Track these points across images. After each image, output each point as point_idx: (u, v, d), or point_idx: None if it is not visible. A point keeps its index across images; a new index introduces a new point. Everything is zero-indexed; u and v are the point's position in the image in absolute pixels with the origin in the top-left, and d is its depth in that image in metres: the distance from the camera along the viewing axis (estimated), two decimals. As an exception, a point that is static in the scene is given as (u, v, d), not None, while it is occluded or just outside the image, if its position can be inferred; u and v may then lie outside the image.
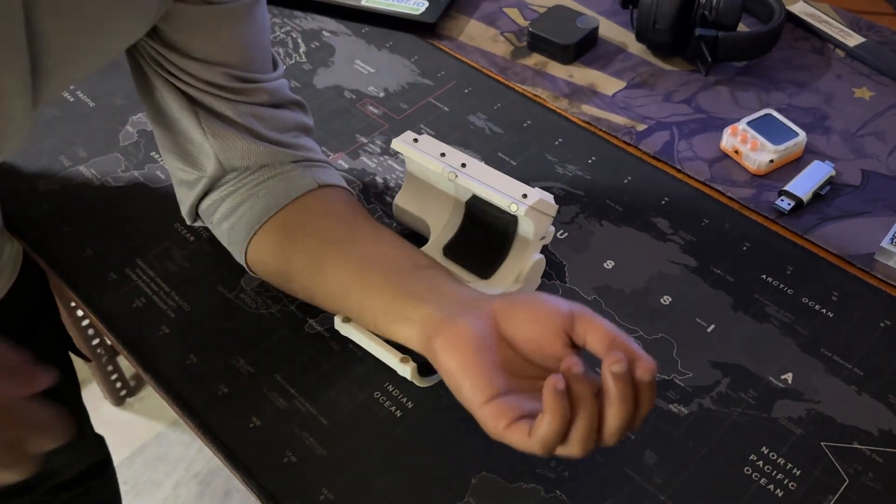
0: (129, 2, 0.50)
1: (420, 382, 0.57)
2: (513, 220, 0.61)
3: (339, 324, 0.59)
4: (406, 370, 0.56)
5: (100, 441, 0.91)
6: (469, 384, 0.47)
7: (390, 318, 0.53)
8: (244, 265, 0.62)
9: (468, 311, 0.50)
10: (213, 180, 0.61)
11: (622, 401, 0.45)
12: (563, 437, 0.45)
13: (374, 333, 0.57)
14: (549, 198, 0.59)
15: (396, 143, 0.62)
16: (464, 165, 0.60)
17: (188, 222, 0.65)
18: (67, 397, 0.84)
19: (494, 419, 0.46)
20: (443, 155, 0.61)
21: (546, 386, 0.43)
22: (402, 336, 0.52)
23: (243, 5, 0.57)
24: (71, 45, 0.50)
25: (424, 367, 0.56)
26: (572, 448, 0.45)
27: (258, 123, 0.60)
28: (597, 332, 0.47)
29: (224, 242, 0.63)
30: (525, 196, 0.57)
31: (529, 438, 0.45)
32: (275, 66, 0.62)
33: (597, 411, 0.45)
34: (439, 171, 0.60)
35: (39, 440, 0.44)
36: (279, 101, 0.62)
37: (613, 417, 0.45)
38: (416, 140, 0.62)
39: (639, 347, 0.46)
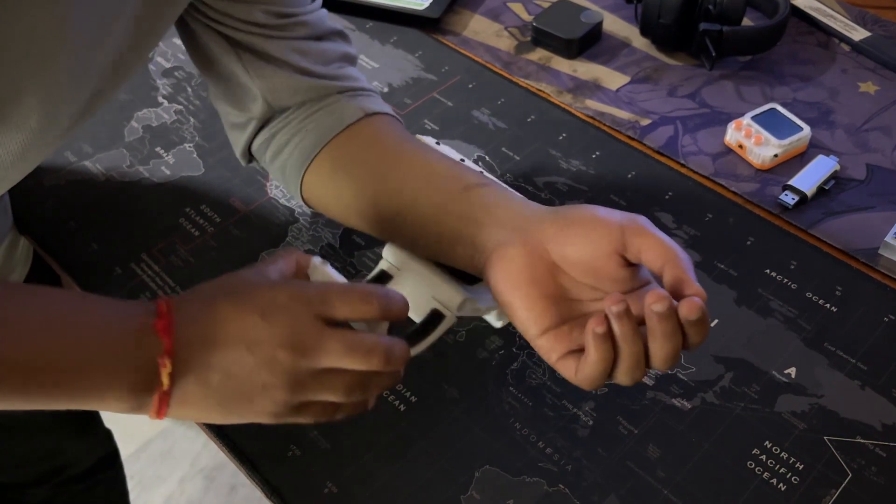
0: None
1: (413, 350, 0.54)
2: None
3: (389, 251, 0.57)
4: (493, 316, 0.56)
5: (108, 435, 0.92)
6: (523, 316, 0.48)
7: (444, 245, 0.53)
8: (302, 200, 0.63)
9: (520, 238, 0.49)
10: (262, 120, 0.61)
11: (666, 337, 0.44)
12: (608, 374, 0.45)
13: (430, 260, 0.56)
14: None
15: (419, 139, 0.62)
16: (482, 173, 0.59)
17: (243, 164, 0.65)
18: None
19: (548, 352, 0.47)
20: (462, 160, 0.60)
21: (587, 329, 0.44)
22: (458, 261, 0.53)
23: None
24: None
25: (413, 336, 0.54)
26: (620, 379, 0.46)
27: (302, 58, 0.60)
28: (651, 249, 0.45)
29: (280, 181, 0.64)
30: None
31: (576, 375, 0.46)
32: None
33: (641, 346, 0.45)
34: None
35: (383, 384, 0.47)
36: (320, 32, 0.62)
37: (659, 350, 0.45)
38: (437, 143, 0.62)
39: (691, 272, 0.45)
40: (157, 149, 0.77)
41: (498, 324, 0.60)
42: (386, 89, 0.83)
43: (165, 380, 0.42)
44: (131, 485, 1.40)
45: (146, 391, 0.42)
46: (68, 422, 0.84)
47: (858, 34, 0.86)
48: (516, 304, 0.48)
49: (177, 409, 0.43)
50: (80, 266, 0.68)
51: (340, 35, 0.64)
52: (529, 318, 0.48)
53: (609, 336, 0.44)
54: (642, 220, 0.47)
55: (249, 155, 0.64)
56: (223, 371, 0.42)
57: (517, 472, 0.55)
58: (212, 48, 0.59)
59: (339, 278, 0.48)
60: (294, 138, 0.61)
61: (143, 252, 0.68)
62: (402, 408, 0.58)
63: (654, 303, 0.43)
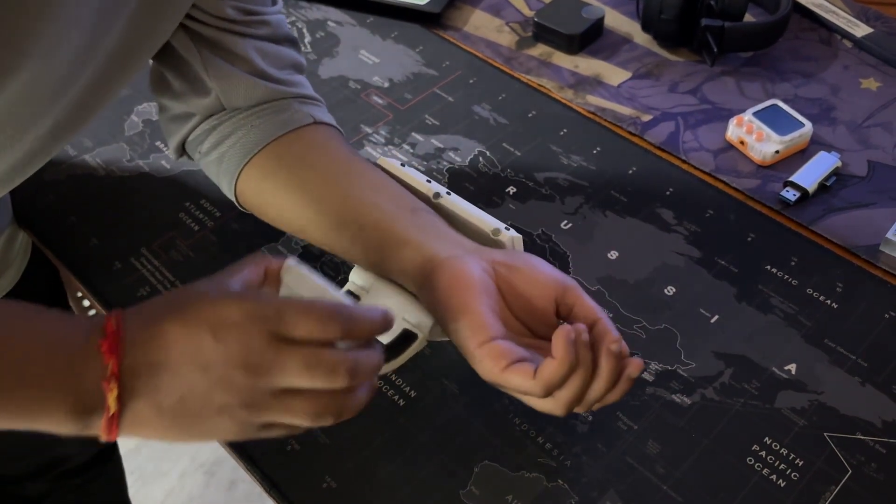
0: None
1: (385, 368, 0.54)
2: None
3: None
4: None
5: None
6: (468, 323, 0.47)
7: (389, 247, 0.53)
8: (232, 196, 0.62)
9: (471, 255, 0.51)
10: (205, 117, 0.61)
11: (606, 379, 0.47)
12: (561, 384, 0.46)
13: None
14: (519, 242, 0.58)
15: (383, 161, 0.61)
16: (448, 193, 0.59)
17: (174, 157, 0.65)
18: None
19: (493, 359, 0.46)
20: (428, 181, 0.60)
21: (560, 334, 0.44)
22: (401, 263, 0.52)
23: None
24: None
25: (390, 351, 0.54)
26: (558, 404, 0.47)
27: (261, 60, 0.60)
28: (584, 308, 0.49)
29: (211, 172, 0.63)
30: (507, 228, 0.56)
31: (532, 379, 0.45)
32: (274, 2, 0.62)
33: (589, 379, 0.46)
34: (423, 190, 0.59)
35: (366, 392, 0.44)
36: (279, 35, 0.62)
37: (596, 391, 0.47)
38: (402, 165, 0.61)
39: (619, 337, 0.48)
40: (158, 143, 0.77)
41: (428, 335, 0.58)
42: (387, 84, 0.82)
43: (112, 404, 0.39)
44: (131, 480, 1.40)
45: (89, 414, 0.40)
46: None
47: (861, 30, 0.86)
48: (468, 308, 0.48)
49: (129, 430, 0.41)
50: (80, 260, 0.68)
51: (293, 43, 0.64)
52: (475, 325, 0.47)
53: (575, 350, 0.45)
54: (575, 283, 0.51)
55: (182, 149, 0.64)
56: (175, 394, 0.40)
57: (516, 468, 0.55)
58: (172, 41, 0.58)
59: (317, 281, 0.45)
60: (238, 131, 0.60)
61: (142, 247, 0.68)
62: (402, 403, 0.58)
63: (612, 342, 0.46)
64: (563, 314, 0.50)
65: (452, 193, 0.59)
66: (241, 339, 0.40)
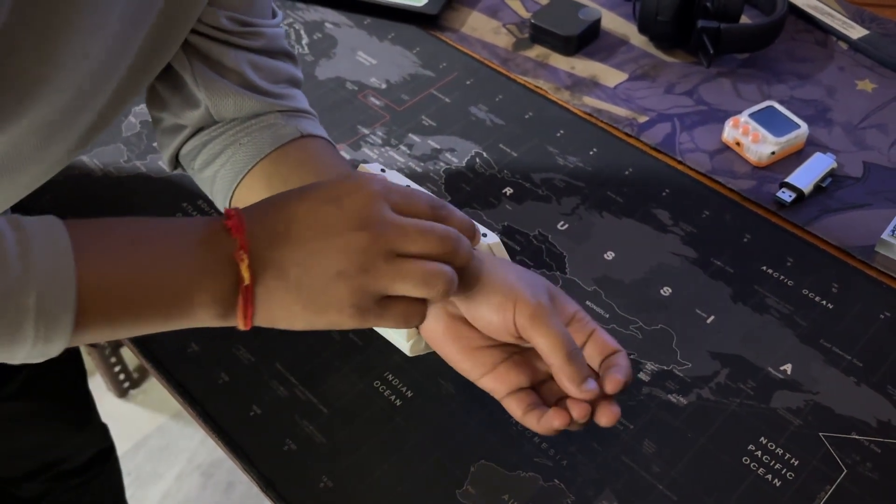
0: None
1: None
2: None
3: None
4: (407, 346, 0.57)
5: (104, 430, 0.92)
6: (460, 368, 0.50)
7: None
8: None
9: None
10: (196, 128, 0.61)
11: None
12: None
13: None
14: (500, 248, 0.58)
15: (363, 168, 0.61)
16: None
17: (168, 170, 0.65)
18: (75, 386, 0.85)
19: (492, 391, 0.49)
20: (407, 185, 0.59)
21: (555, 414, 0.47)
22: None
23: None
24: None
25: None
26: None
27: (252, 72, 0.60)
28: (539, 345, 0.47)
29: (206, 190, 0.63)
30: (484, 235, 0.56)
31: (538, 423, 0.47)
32: (274, 15, 0.62)
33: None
34: None
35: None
36: (274, 49, 0.62)
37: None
38: (382, 171, 0.61)
39: (576, 366, 0.47)
40: (155, 144, 0.77)
41: (410, 353, 0.59)
42: (384, 85, 0.83)
43: (245, 274, 0.41)
44: (128, 481, 1.40)
45: (231, 293, 0.42)
46: (63, 416, 0.84)
47: (856, 32, 0.86)
48: (450, 358, 0.50)
49: (262, 309, 0.43)
50: (77, 260, 0.68)
51: (290, 57, 0.64)
52: (465, 370, 0.50)
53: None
54: (541, 306, 0.47)
55: (176, 161, 0.64)
56: (299, 263, 0.42)
57: (513, 467, 0.55)
58: None
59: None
60: (227, 150, 0.60)
61: (139, 247, 0.68)
62: (398, 402, 0.58)
63: (579, 418, 0.46)
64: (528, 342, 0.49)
65: None
66: (360, 204, 0.43)
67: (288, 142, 0.60)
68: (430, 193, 0.49)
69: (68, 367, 0.84)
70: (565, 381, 0.46)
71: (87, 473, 0.88)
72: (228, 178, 0.60)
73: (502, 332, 0.48)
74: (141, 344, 0.62)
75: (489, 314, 0.48)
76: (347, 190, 0.44)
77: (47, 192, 0.73)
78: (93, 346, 1.40)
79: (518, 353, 0.50)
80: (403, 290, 0.43)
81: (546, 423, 0.47)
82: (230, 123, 0.61)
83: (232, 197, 0.60)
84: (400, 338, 0.57)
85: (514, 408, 0.48)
